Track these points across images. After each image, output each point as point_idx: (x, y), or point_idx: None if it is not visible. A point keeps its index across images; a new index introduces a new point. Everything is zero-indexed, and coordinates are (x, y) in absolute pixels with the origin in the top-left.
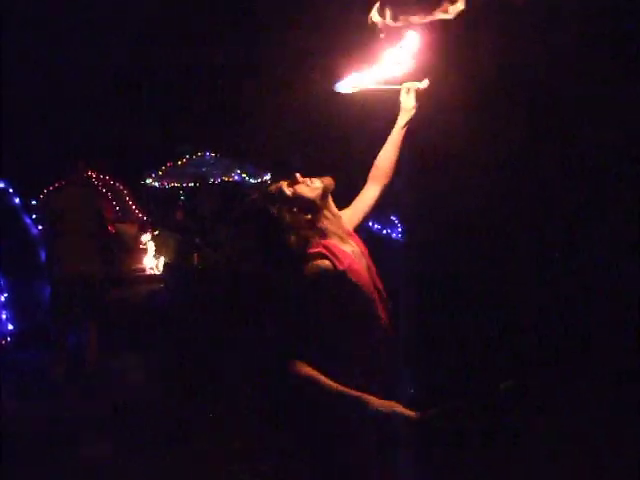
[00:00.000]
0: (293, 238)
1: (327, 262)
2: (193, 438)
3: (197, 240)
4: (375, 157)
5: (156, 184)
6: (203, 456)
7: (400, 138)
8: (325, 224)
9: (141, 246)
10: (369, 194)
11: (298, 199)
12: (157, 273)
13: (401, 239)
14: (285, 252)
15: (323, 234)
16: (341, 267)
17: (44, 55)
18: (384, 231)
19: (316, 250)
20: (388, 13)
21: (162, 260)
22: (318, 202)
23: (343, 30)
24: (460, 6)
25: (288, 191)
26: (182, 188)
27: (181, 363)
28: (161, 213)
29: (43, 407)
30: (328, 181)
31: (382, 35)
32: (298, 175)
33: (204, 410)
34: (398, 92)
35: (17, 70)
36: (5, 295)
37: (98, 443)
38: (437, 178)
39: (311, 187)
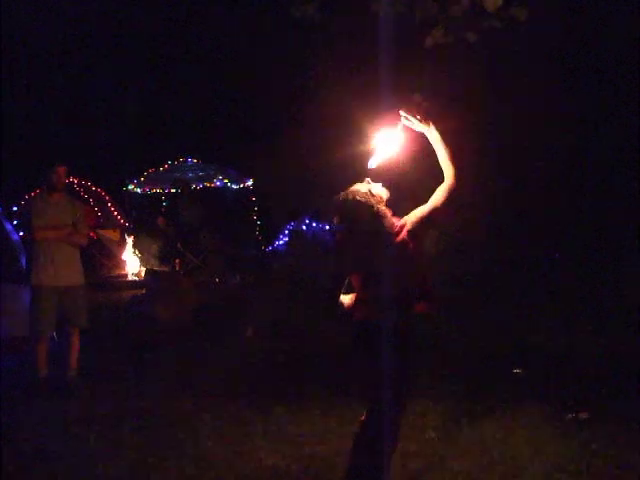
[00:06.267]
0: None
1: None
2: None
3: (179, 246)
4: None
5: (138, 190)
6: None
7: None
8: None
9: (123, 252)
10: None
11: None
12: (139, 279)
13: None
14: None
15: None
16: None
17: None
18: None
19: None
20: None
21: (144, 265)
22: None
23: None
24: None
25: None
26: (164, 194)
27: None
28: (143, 219)
29: (26, 410)
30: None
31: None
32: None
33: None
34: None
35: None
36: None
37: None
38: None
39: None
